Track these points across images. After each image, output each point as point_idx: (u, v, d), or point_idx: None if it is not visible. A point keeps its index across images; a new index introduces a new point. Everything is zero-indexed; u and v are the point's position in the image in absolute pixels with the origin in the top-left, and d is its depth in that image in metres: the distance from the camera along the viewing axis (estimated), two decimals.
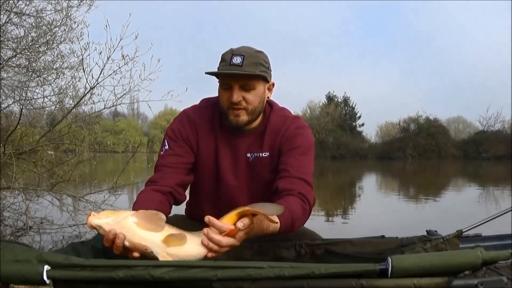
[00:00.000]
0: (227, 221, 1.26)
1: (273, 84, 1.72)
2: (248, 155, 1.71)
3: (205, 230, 1.22)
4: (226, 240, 1.22)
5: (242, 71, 1.55)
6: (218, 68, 1.61)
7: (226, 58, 1.59)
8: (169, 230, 1.26)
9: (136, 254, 1.22)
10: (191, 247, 1.23)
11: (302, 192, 1.54)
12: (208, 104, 1.77)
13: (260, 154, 1.69)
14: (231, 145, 1.71)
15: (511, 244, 2.76)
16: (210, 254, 1.23)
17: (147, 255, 1.21)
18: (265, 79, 1.64)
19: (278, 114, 1.74)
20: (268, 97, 1.71)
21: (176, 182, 1.64)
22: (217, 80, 1.67)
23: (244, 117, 1.62)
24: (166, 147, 1.69)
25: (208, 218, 1.23)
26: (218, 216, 1.78)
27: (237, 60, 1.55)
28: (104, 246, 1.26)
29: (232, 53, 1.58)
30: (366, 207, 9.67)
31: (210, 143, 1.71)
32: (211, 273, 1.02)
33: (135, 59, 5.23)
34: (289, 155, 1.65)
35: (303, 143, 1.68)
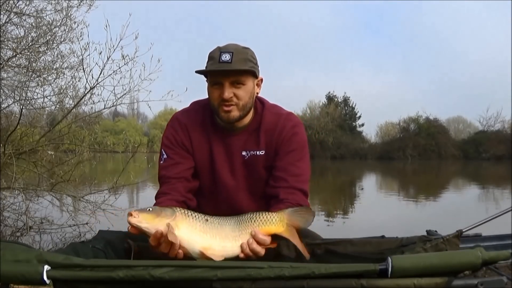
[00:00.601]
0: (265, 232, 1.40)
1: (261, 80, 1.72)
2: (244, 153, 1.71)
3: (250, 240, 1.36)
4: (263, 252, 1.37)
5: (232, 67, 1.56)
6: (206, 67, 1.61)
7: (214, 56, 1.59)
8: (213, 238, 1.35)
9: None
10: (230, 250, 1.36)
11: (301, 205, 1.62)
12: (198, 106, 1.77)
13: (257, 152, 1.70)
14: (225, 144, 1.71)
15: (511, 244, 2.76)
16: (242, 255, 1.36)
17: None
18: (254, 75, 1.65)
19: (271, 111, 1.74)
20: (257, 93, 1.72)
21: (186, 190, 1.68)
22: (206, 80, 1.67)
23: (235, 113, 1.62)
24: (165, 156, 1.71)
25: (254, 232, 1.37)
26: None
27: (226, 57, 1.56)
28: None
29: (220, 50, 1.59)
30: (366, 207, 9.68)
31: (203, 144, 1.72)
32: (211, 273, 1.02)
33: (135, 59, 5.25)
34: (287, 161, 1.67)
35: (299, 144, 1.71)
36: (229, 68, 1.56)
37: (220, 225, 1.37)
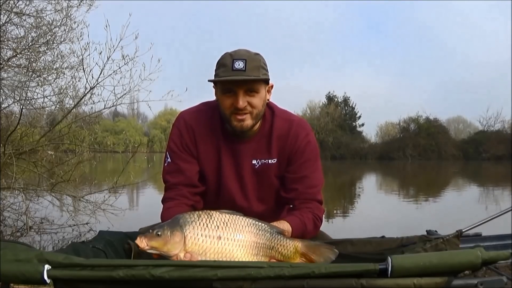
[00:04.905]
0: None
1: (272, 86, 1.69)
2: (254, 161, 1.68)
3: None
4: None
5: (246, 75, 1.52)
6: (218, 74, 1.56)
7: (226, 63, 1.54)
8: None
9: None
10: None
11: (317, 213, 1.67)
12: (207, 107, 1.73)
13: (268, 160, 1.68)
14: (233, 151, 1.68)
15: (511, 244, 2.77)
16: None
17: None
18: (267, 82, 1.63)
19: (282, 117, 1.71)
20: (268, 100, 1.69)
21: (192, 194, 1.67)
22: (213, 85, 1.64)
23: (248, 122, 1.60)
24: (169, 160, 1.69)
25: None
26: None
27: (239, 65, 1.52)
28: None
29: (232, 57, 1.54)
30: (367, 207, 9.67)
31: (210, 149, 1.69)
32: (211, 273, 1.02)
33: (135, 59, 5.25)
34: (302, 174, 1.68)
35: (313, 154, 1.72)
36: (243, 76, 1.52)
37: (234, 247, 1.32)
